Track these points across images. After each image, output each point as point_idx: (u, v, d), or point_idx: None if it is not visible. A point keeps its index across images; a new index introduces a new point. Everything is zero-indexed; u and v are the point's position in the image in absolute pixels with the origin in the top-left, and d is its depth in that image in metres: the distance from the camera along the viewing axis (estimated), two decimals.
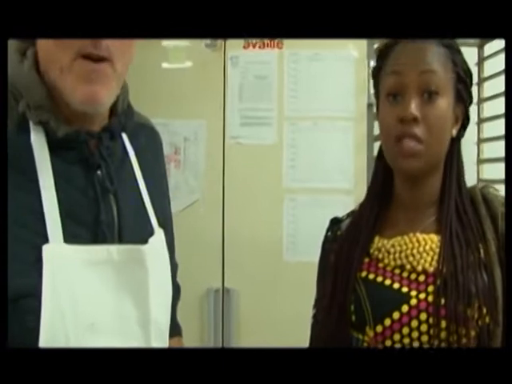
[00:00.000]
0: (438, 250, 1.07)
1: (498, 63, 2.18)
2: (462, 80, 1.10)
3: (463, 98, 1.11)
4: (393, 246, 1.10)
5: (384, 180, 1.17)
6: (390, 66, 1.10)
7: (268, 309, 2.14)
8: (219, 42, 2.17)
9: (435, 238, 1.09)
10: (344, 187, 2.11)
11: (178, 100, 2.18)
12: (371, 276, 1.10)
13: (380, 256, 1.11)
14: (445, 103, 1.06)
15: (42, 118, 0.88)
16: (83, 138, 0.92)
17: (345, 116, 2.13)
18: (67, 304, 0.81)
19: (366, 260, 1.12)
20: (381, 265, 1.11)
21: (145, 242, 0.95)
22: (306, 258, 1.99)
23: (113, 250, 0.89)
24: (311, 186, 2.12)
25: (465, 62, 1.12)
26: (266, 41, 2.16)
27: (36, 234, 0.82)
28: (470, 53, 2.61)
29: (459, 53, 1.11)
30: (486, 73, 2.53)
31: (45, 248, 0.81)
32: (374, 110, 2.11)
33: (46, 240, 0.82)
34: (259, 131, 2.15)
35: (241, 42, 2.17)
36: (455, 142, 1.13)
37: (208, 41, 2.15)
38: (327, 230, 1.25)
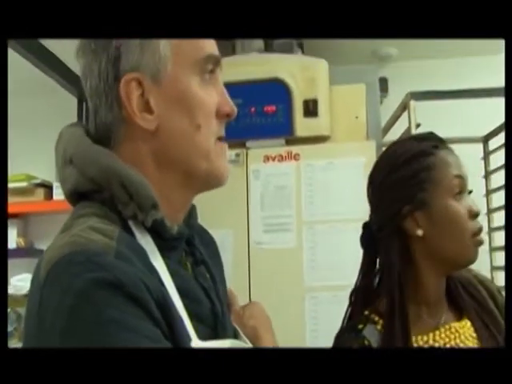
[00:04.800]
0: (475, 335, 1.15)
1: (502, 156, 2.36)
2: None
3: None
4: (434, 339, 1.15)
5: (406, 283, 1.18)
6: (453, 170, 1.18)
7: None
8: (241, 157, 2.38)
9: (467, 324, 1.17)
10: None
11: (206, 211, 2.34)
12: None
13: None
14: None
15: (158, 217, 0.80)
16: (187, 233, 0.88)
17: (358, 218, 2.23)
18: None
19: None
20: None
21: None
22: None
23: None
24: (331, 283, 2.23)
25: None
26: (284, 154, 2.37)
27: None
28: (475, 148, 2.79)
29: None
30: (492, 166, 2.73)
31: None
32: None
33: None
34: (281, 236, 2.32)
35: (261, 156, 2.38)
36: None
37: (232, 157, 2.35)
38: (346, 340, 1.22)
